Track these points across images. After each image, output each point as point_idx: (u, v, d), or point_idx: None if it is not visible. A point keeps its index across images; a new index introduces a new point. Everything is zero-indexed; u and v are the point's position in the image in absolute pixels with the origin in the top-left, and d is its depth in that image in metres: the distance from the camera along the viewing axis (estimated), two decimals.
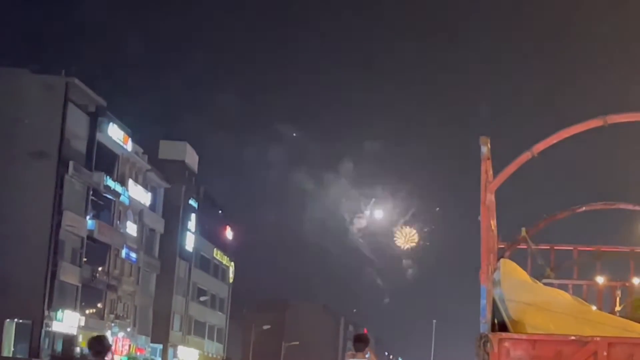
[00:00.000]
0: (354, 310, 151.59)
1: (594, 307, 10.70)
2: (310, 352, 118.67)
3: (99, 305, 69.97)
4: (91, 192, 66.76)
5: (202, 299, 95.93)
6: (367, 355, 11.85)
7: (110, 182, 68.65)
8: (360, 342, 11.92)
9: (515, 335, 8.47)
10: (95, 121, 66.63)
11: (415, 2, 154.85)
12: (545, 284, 10.33)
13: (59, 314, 62.17)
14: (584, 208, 11.84)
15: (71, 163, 62.81)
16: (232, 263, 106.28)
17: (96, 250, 67.92)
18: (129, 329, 74.69)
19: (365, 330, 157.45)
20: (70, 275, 63.94)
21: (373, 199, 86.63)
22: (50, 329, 61.68)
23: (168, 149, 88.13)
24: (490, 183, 8.72)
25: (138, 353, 75.76)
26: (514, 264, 9.78)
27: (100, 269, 68.71)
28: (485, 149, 8.69)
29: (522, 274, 9.67)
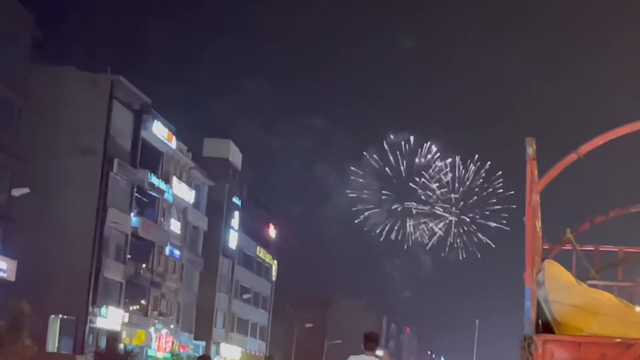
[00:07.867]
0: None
1: (639, 309, 10.62)
2: (353, 351, 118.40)
3: (143, 302, 70.38)
4: (136, 190, 67.16)
5: (245, 296, 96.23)
6: (380, 354, 11.67)
7: (154, 180, 69.00)
8: (370, 341, 11.76)
9: (560, 337, 8.41)
10: (140, 119, 66.98)
11: None
12: (589, 285, 10.25)
13: (103, 310, 62.60)
14: (630, 209, 11.73)
15: (116, 160, 63.21)
16: (275, 261, 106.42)
17: (140, 247, 68.34)
18: (172, 326, 75.08)
19: (407, 329, 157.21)
20: (114, 271, 64.38)
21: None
22: (94, 325, 62.13)
23: (212, 147, 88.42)
24: (535, 184, 8.65)
25: (181, 350, 76.09)
26: (559, 265, 9.71)
27: (144, 265, 69.14)
28: (530, 150, 8.63)
29: (567, 275, 9.60)
